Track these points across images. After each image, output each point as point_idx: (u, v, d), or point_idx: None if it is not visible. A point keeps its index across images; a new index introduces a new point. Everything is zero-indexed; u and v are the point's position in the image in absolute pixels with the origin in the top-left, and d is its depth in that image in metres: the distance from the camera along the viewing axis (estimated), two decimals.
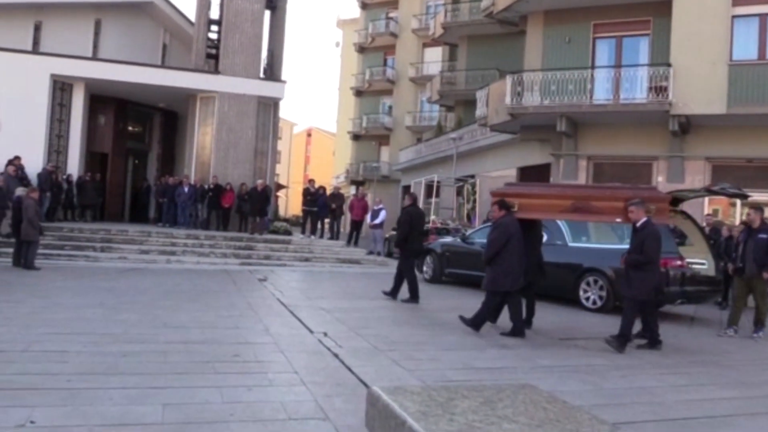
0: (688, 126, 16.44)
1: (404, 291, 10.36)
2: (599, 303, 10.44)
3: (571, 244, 11.27)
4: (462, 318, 8.13)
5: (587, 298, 10.61)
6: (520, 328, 7.81)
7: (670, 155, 16.94)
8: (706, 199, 15.79)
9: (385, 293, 10.49)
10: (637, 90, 16.77)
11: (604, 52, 18.53)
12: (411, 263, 10.53)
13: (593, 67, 17.97)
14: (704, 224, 13.30)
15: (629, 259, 7.43)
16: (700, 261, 10.69)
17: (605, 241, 11.10)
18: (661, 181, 17.03)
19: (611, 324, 8.91)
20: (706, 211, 16.06)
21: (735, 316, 9.08)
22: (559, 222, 11.38)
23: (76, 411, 4.13)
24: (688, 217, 11.23)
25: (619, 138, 17.55)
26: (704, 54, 15.79)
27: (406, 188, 31.95)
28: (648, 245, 7.22)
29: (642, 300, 7.39)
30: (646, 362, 6.71)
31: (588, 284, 10.67)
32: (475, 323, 7.93)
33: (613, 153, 17.94)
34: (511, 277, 7.78)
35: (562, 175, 18.37)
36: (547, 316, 9.59)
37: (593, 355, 6.93)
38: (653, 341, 7.57)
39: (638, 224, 7.39)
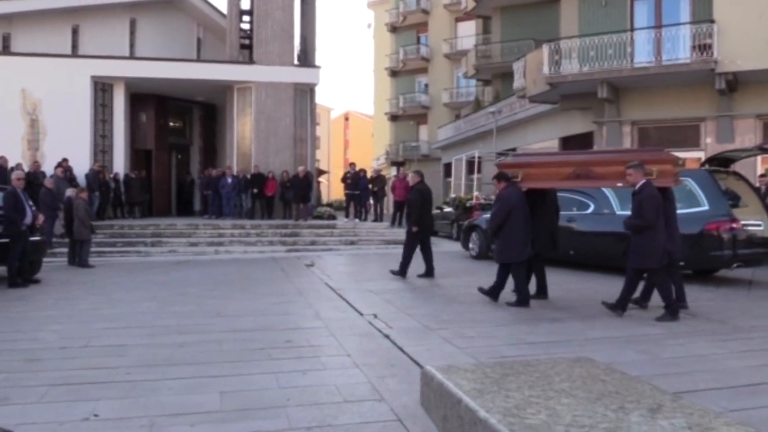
0: (735, 84, 15.89)
1: (419, 267, 10.45)
2: None
3: (619, 213, 11.01)
4: (481, 289, 8.29)
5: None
6: (525, 298, 7.83)
7: (718, 115, 16.43)
8: (759, 158, 15.28)
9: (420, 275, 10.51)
10: (679, 50, 16.27)
11: (643, 12, 18.01)
12: (415, 242, 10.56)
13: (632, 29, 17.49)
14: (758, 184, 12.87)
15: (628, 224, 7.22)
16: (755, 222, 10.35)
17: None
18: (709, 142, 16.55)
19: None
20: (759, 171, 15.54)
21: None
22: (605, 190, 11.15)
23: (137, 402, 4.22)
24: (740, 177, 10.88)
25: (663, 101, 17.09)
26: (750, 7, 15.20)
27: (447, 166, 31.73)
28: (645, 208, 6.93)
29: (651, 269, 7.08)
30: (705, 329, 6.54)
31: None
32: (494, 294, 8.10)
33: (657, 117, 17.49)
34: (518, 248, 7.82)
35: (606, 142, 17.99)
36: (597, 286, 9.43)
37: (648, 324, 6.79)
38: (675, 307, 7.07)
39: (636, 187, 7.12)
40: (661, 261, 7.03)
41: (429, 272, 10.58)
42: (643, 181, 7.06)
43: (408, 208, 11.65)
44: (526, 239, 7.86)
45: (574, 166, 7.95)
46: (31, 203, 10.59)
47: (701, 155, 16.20)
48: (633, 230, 7.16)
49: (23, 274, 9.99)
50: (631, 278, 7.22)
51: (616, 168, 7.50)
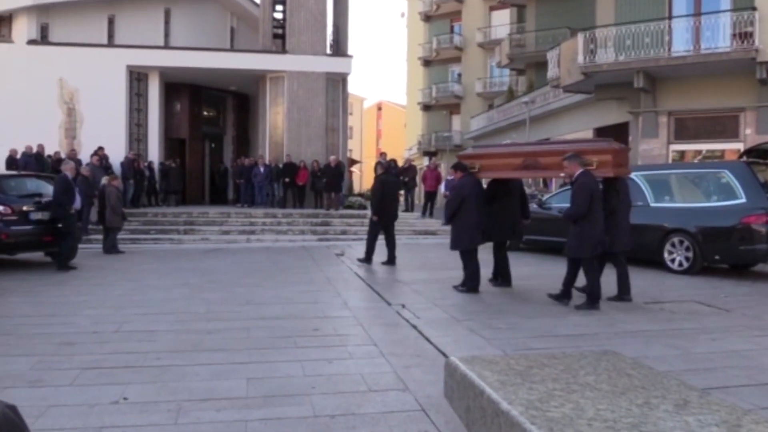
0: None
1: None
2: (686, 265, 10.01)
3: (653, 204, 10.83)
4: (455, 287, 8.38)
5: (672, 260, 10.20)
6: (474, 284, 8.14)
7: (759, 105, 16.02)
8: None
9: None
10: (719, 38, 15.87)
11: (682, 0, 17.60)
12: (377, 230, 10.98)
13: (670, 17, 17.12)
14: None
15: (564, 213, 7.40)
16: None
17: (690, 200, 10.62)
18: (749, 133, 16.15)
19: (698, 286, 8.58)
20: None
21: None
22: (639, 182, 10.97)
23: (166, 387, 4.29)
24: None
25: (701, 90, 16.71)
26: None
27: None
28: (577, 198, 7.03)
29: (588, 256, 7.13)
30: (739, 324, 6.41)
31: (673, 245, 10.25)
32: (472, 286, 8.21)
33: (695, 107, 17.11)
34: (469, 235, 8.08)
35: (641, 133, 17.69)
36: (630, 279, 9.29)
37: (680, 318, 6.67)
38: (597, 297, 7.18)
39: (573, 178, 7.22)
40: (594, 251, 7.10)
41: (390, 260, 10.98)
42: (580, 171, 7.14)
43: (370, 196, 12.14)
44: (477, 227, 8.11)
45: (523, 157, 8.14)
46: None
47: (740, 147, 15.83)
48: (568, 220, 7.31)
49: (59, 260, 10.30)
50: (570, 267, 7.34)
51: (558, 159, 7.58)
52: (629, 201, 7.92)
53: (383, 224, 10.98)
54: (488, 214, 8.22)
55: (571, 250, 7.19)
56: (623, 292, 7.60)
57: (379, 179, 11.13)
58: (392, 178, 11.61)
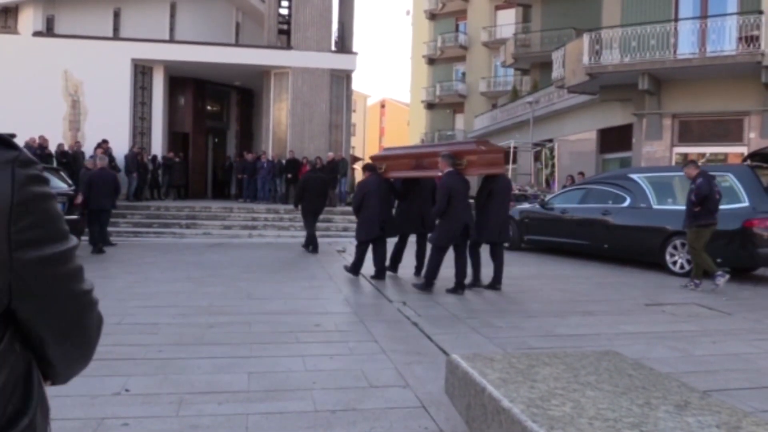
0: None
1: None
2: (687, 267, 9.99)
3: (655, 207, 10.83)
4: (345, 267, 9.43)
5: (674, 263, 10.20)
6: (380, 271, 9.02)
7: (764, 109, 15.99)
8: None
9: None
10: (725, 41, 15.85)
11: (688, 2, 17.57)
12: (307, 219, 12.57)
13: (677, 19, 17.08)
14: None
15: (433, 209, 8.13)
16: None
17: None
18: (753, 137, 16.14)
19: (701, 288, 8.57)
20: None
21: None
22: (642, 184, 10.98)
23: (167, 380, 4.31)
24: None
25: (706, 94, 16.69)
26: None
27: None
28: (438, 196, 7.83)
29: (441, 246, 7.93)
30: (740, 328, 6.42)
31: (675, 248, 10.25)
32: (354, 270, 9.15)
33: (700, 110, 17.09)
34: (367, 228, 8.93)
35: (645, 135, 17.67)
36: (632, 281, 9.30)
37: (681, 320, 6.68)
38: (432, 282, 8.01)
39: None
40: (449, 242, 7.90)
41: (310, 246, 12.55)
42: (447, 170, 7.84)
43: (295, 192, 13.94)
44: (377, 221, 8.86)
45: (414, 158, 9.11)
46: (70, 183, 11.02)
47: (744, 150, 15.81)
48: (434, 216, 8.13)
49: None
50: (434, 255, 8.03)
51: (437, 159, 8.29)
52: (506, 198, 8.67)
53: (308, 214, 12.47)
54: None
55: (432, 239, 8.13)
56: (496, 281, 8.27)
57: (304, 178, 12.76)
58: (319, 176, 13.07)
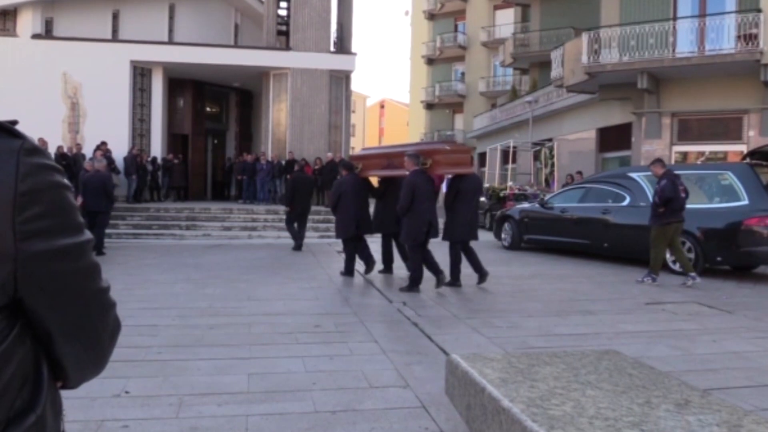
0: None
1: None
2: None
3: None
4: (341, 272, 9.54)
5: (674, 261, 10.19)
6: (349, 268, 9.40)
7: (763, 107, 16.00)
8: None
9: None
10: (723, 40, 15.85)
11: (686, 1, 17.59)
12: (291, 219, 13.24)
13: (675, 18, 17.10)
14: None
15: (397, 207, 8.25)
16: None
17: (693, 201, 10.59)
18: (752, 135, 16.14)
19: (700, 287, 8.56)
20: None
21: None
22: (642, 183, 10.97)
23: (167, 381, 4.30)
24: None
25: (705, 92, 16.70)
26: None
27: (482, 155, 31.51)
28: (402, 194, 8.01)
29: (412, 244, 8.12)
30: (740, 326, 6.41)
31: None
32: (348, 270, 9.43)
33: (699, 108, 17.10)
34: (343, 226, 9.24)
35: (644, 134, 17.67)
36: (631, 279, 9.30)
37: (682, 319, 6.67)
38: (419, 280, 8.12)
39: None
40: (417, 239, 8.01)
41: (298, 243, 13.18)
42: (413, 169, 8.05)
43: (284, 193, 14.53)
44: (352, 219, 9.16)
45: (386, 158, 9.43)
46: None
47: (743, 148, 15.81)
48: (399, 214, 8.21)
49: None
50: (413, 255, 8.23)
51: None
52: (474, 198, 8.75)
53: (296, 215, 13.04)
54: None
55: (402, 239, 8.43)
56: (454, 279, 8.41)
57: (293, 179, 13.37)
58: (306, 177, 13.58)
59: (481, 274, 8.49)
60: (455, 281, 8.41)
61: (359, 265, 9.56)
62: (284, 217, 17.12)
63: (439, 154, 8.44)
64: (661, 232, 8.88)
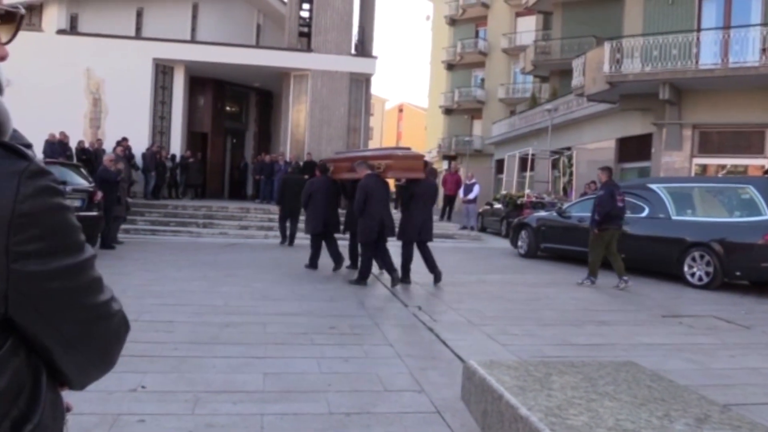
0: None
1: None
2: (705, 279, 9.90)
3: (674, 218, 10.75)
4: (306, 265, 10.20)
5: (692, 274, 10.10)
6: (313, 263, 10.13)
7: None
8: None
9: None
10: (748, 52, 15.71)
11: (711, 12, 17.46)
12: (284, 218, 13.85)
13: (699, 29, 16.98)
14: None
15: (353, 208, 8.85)
16: None
17: (713, 214, 10.53)
18: None
19: (718, 301, 8.49)
20: None
21: None
22: (662, 195, 10.90)
23: (183, 378, 4.33)
24: None
25: (727, 105, 16.54)
26: None
27: (499, 162, 31.44)
28: (356, 195, 8.52)
29: (365, 242, 8.61)
30: (759, 342, 6.34)
31: (693, 259, 10.15)
32: (311, 264, 10.15)
33: (721, 121, 16.94)
34: (312, 223, 9.91)
35: (664, 145, 17.54)
36: (649, 291, 9.23)
37: (699, 333, 6.61)
38: (392, 273, 8.65)
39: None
40: (370, 238, 8.49)
41: (289, 241, 13.88)
42: (365, 173, 8.58)
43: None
44: (320, 217, 9.78)
45: (349, 162, 9.85)
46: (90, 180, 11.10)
47: (765, 163, 15.65)
48: (354, 212, 8.74)
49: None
50: (364, 252, 8.80)
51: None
52: (428, 201, 9.17)
53: (287, 214, 13.62)
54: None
55: (358, 236, 8.84)
56: (404, 276, 8.91)
57: (283, 179, 13.93)
58: (298, 178, 13.85)
59: (435, 274, 8.96)
60: (405, 278, 8.93)
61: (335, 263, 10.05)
62: (301, 217, 17.24)
63: (392, 159, 9.06)
64: (599, 237, 9.44)
